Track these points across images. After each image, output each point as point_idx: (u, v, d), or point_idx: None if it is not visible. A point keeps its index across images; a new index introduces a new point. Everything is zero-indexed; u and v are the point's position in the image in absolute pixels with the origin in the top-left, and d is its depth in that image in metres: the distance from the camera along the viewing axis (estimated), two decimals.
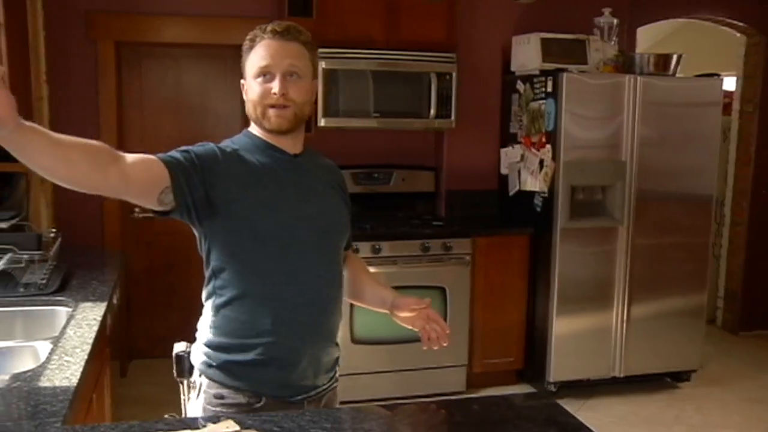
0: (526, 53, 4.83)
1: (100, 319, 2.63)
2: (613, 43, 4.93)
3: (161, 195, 1.74)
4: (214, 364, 1.92)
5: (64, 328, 2.52)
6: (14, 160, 4.36)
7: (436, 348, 2.04)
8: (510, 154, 4.99)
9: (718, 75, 4.85)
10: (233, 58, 4.88)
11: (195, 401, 1.97)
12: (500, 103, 5.16)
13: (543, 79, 4.65)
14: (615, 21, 4.94)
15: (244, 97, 1.97)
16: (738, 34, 6.06)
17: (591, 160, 4.57)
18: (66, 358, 2.22)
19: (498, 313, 4.72)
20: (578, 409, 4.49)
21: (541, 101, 4.66)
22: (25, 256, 2.99)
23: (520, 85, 4.90)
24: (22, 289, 2.89)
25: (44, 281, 2.95)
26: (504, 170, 5.06)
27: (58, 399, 1.89)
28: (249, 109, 1.94)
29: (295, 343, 1.91)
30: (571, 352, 4.64)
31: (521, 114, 4.88)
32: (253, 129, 1.99)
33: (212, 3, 4.74)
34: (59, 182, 1.62)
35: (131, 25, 4.65)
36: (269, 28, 1.90)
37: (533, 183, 4.72)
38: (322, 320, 1.97)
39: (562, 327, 4.61)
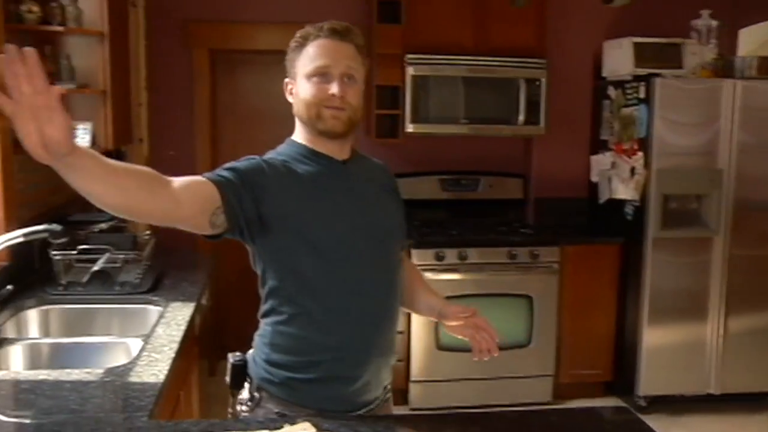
0: (618, 58, 4.72)
1: (188, 318, 2.71)
2: (711, 46, 4.76)
3: (212, 217, 1.68)
4: (276, 380, 1.86)
5: (155, 326, 2.61)
6: None
7: (486, 359, 1.98)
8: (601, 162, 4.88)
9: None
10: None
11: (249, 414, 1.89)
12: (591, 110, 5.06)
13: (635, 84, 4.53)
14: (714, 23, 4.76)
15: (289, 97, 1.91)
16: None
17: (685, 168, 4.42)
18: (154, 355, 2.31)
19: (586, 324, 4.62)
20: (669, 426, 4.34)
21: (633, 107, 4.54)
22: (121, 256, 3.11)
23: (611, 91, 4.79)
24: (117, 288, 3.02)
25: (138, 281, 3.06)
26: (594, 178, 4.95)
27: (146, 394, 1.97)
28: (299, 109, 1.87)
29: (359, 357, 1.84)
30: (663, 366, 4.49)
31: (612, 120, 4.77)
32: (297, 137, 1.93)
33: (303, 10, 4.82)
34: (110, 210, 1.56)
35: (225, 33, 4.79)
36: (327, 26, 1.85)
37: (624, 191, 4.60)
38: (384, 332, 1.90)
39: (653, 339, 4.47)
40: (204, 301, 3.39)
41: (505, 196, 5.09)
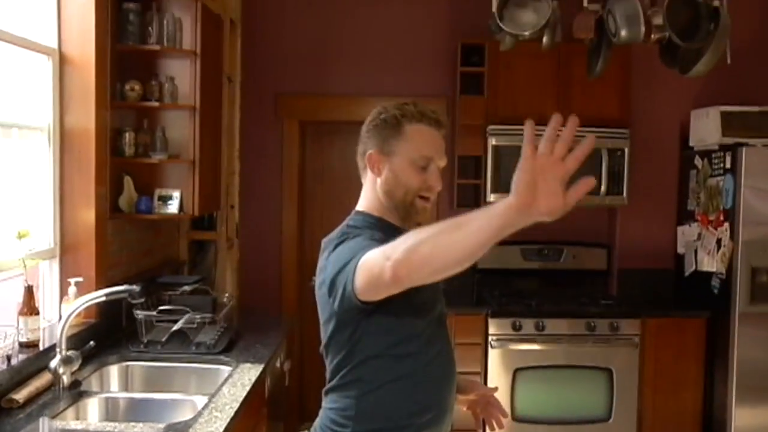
0: (705, 127, 4.67)
1: (254, 379, 2.83)
2: None
3: None
4: None
5: (222, 386, 2.74)
6: (208, 229, 4.75)
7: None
8: (687, 233, 4.78)
9: None
10: None
11: None
12: (677, 180, 4.99)
13: (721, 154, 4.46)
14: None
15: (372, 170, 1.91)
16: None
17: None
18: (215, 413, 2.43)
19: (670, 400, 4.48)
20: None
21: (719, 177, 4.46)
22: (199, 318, 3.28)
23: (698, 161, 4.72)
24: (193, 348, 3.18)
25: (213, 341, 3.22)
26: (681, 249, 4.85)
27: None
28: (393, 189, 1.87)
29: (440, 416, 1.88)
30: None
31: (699, 191, 4.69)
32: (370, 209, 1.93)
33: (389, 83, 5.02)
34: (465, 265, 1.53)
35: (314, 105, 5.03)
36: (430, 115, 1.89)
37: (710, 263, 4.49)
38: (453, 390, 1.96)
39: (743, 419, 4.29)
40: (278, 364, 3.53)
41: (588, 266, 5.04)
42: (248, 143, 4.89)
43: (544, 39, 3.40)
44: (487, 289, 4.85)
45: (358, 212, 1.96)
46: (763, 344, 4.29)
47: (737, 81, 4.76)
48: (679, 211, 4.95)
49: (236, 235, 4.72)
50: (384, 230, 1.85)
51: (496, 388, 2.08)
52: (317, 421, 1.91)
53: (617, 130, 4.70)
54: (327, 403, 1.90)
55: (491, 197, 4.67)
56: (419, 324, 1.83)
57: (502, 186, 4.68)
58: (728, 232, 4.33)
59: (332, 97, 5.02)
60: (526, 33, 3.36)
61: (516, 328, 4.39)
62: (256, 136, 4.98)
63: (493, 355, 4.40)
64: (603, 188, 4.67)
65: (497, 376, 4.37)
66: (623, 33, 3.20)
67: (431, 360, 1.86)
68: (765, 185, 4.28)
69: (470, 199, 4.80)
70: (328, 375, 1.90)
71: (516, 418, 4.38)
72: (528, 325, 4.39)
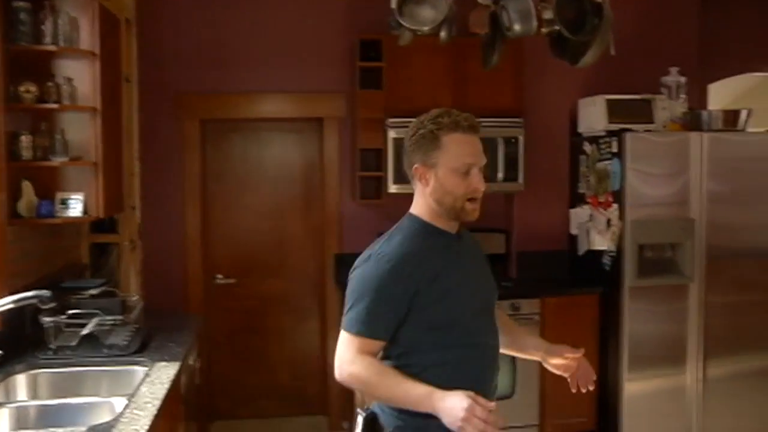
0: (593, 115, 4.92)
1: (172, 378, 2.85)
2: (681, 100, 4.96)
3: None
4: (411, 427, 2.05)
5: (139, 386, 2.74)
6: (109, 231, 4.65)
7: (584, 390, 2.38)
8: (579, 214, 5.04)
9: None
10: (311, 130, 5.21)
11: None
12: (569, 164, 5.24)
13: (608, 139, 4.73)
14: (682, 79, 4.98)
15: (420, 182, 2.12)
16: None
17: (658, 218, 4.58)
18: (137, 412, 2.44)
19: None
20: None
21: (607, 161, 4.73)
22: (109, 320, 3.26)
23: (587, 146, 4.98)
24: (105, 350, 3.15)
25: (126, 343, 3.20)
26: (574, 230, 5.11)
27: None
28: (442, 197, 2.09)
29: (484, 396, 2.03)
30: (645, 413, 4.58)
31: (589, 174, 4.95)
32: (422, 214, 2.15)
33: (289, 80, 5.06)
34: None
35: (214, 103, 5.01)
36: (464, 123, 2.09)
37: (601, 242, 4.76)
38: (496, 374, 2.23)
39: (634, 387, 4.57)
40: (191, 362, 3.53)
41: (487, 251, 5.10)
42: (148, 144, 4.84)
43: (442, 33, 3.52)
44: None
45: (411, 215, 2.18)
46: (651, 316, 4.59)
47: (621, 71, 5.03)
48: (571, 194, 5.21)
49: (138, 236, 4.67)
50: (429, 235, 2.11)
51: (582, 350, 2.30)
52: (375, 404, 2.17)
53: (512, 119, 4.91)
54: None
55: (392, 188, 4.78)
56: (455, 316, 2.07)
57: (403, 178, 4.78)
58: (617, 212, 4.60)
59: (232, 95, 5.02)
60: (425, 28, 3.48)
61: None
62: (155, 136, 4.92)
63: None
64: (500, 175, 4.87)
65: None
66: (516, 27, 3.37)
67: (473, 347, 2.11)
68: (647, 168, 4.56)
69: (372, 191, 4.90)
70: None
71: None
72: None
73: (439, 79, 4.89)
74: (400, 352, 2.08)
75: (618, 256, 4.61)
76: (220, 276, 5.15)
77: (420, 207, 2.15)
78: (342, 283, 4.80)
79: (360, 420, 2.17)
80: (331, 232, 5.14)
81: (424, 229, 2.12)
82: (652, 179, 4.57)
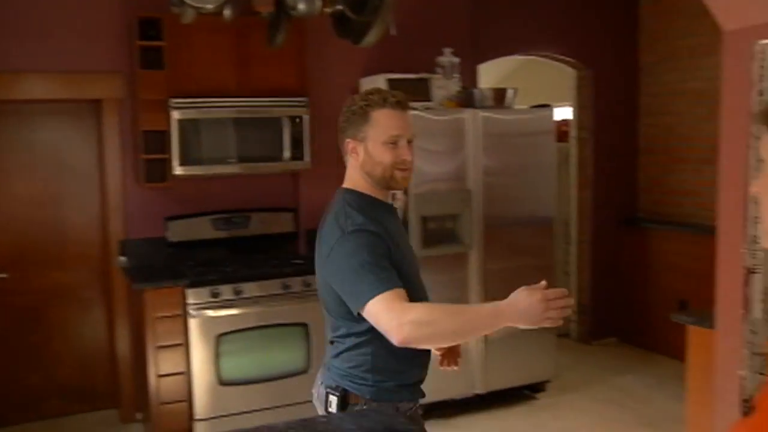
0: None
1: None
2: (455, 80, 5.25)
3: None
4: (389, 387, 2.22)
5: None
6: None
7: (450, 369, 2.56)
8: None
9: (550, 106, 5.25)
10: (89, 113, 4.94)
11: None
12: None
13: None
14: (456, 60, 5.27)
15: (351, 156, 2.24)
16: (570, 69, 6.56)
17: (440, 191, 4.84)
18: None
19: None
20: (444, 428, 4.71)
21: None
22: None
23: None
24: None
25: None
26: None
27: None
28: (373, 169, 2.21)
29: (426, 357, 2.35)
30: (432, 375, 4.82)
31: None
32: (357, 187, 2.26)
33: (66, 59, 4.75)
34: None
35: None
36: (391, 99, 2.19)
37: None
38: None
39: None
40: None
41: (277, 230, 5.26)
42: None
43: (226, 12, 3.50)
44: (181, 262, 4.88)
45: (348, 190, 2.27)
46: (435, 285, 4.75)
47: (401, 51, 5.24)
48: None
49: None
50: (373, 205, 2.23)
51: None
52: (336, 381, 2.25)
53: (296, 98, 4.96)
54: (343, 360, 2.24)
55: (178, 170, 4.67)
56: (410, 278, 2.19)
57: (189, 159, 4.70)
58: None
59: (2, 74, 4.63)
60: (209, 6, 3.44)
61: (214, 295, 4.49)
62: None
63: (194, 324, 4.45)
64: (286, 154, 4.91)
65: (200, 344, 4.45)
66: (301, 6, 3.41)
67: None
68: (427, 145, 4.79)
69: (157, 173, 4.75)
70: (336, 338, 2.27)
71: (222, 383, 4.50)
72: (226, 291, 4.51)
73: (224, 59, 4.83)
74: (364, 330, 2.16)
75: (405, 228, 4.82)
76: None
77: (354, 180, 2.27)
78: (129, 270, 4.68)
79: (333, 399, 2.23)
80: (115, 218, 4.93)
81: (367, 199, 2.24)
82: (433, 155, 4.81)
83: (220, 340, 4.51)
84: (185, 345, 4.46)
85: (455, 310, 2.09)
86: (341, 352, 2.26)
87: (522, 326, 1.94)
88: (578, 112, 6.56)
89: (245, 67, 4.87)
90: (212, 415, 4.50)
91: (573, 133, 6.61)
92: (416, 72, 5.12)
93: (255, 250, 5.19)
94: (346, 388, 2.24)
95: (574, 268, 6.63)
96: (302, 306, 4.68)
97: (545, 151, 5.21)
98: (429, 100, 5.06)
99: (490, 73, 6.58)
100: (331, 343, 2.30)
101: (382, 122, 2.18)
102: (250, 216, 5.16)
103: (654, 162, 6.44)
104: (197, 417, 4.48)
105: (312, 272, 4.64)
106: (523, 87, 5.52)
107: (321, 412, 2.28)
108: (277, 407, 4.61)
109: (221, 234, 5.08)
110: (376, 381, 2.22)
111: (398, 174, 2.22)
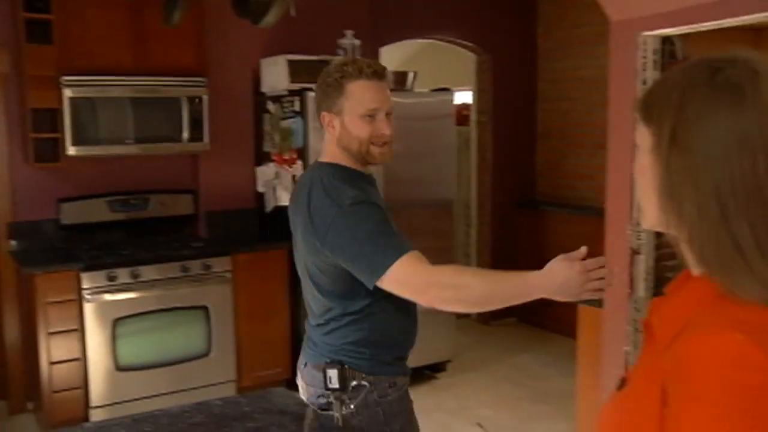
0: (275, 74, 5.04)
1: None
2: None
3: None
4: (386, 360, 2.15)
5: None
6: None
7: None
8: (265, 173, 5.17)
9: (450, 89, 5.33)
10: None
11: (359, 401, 2.11)
12: (253, 123, 5.34)
13: (291, 98, 4.89)
14: (358, 42, 5.28)
15: (328, 129, 2.14)
16: (470, 54, 6.68)
17: None
18: None
19: (262, 327, 4.88)
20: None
21: (290, 119, 4.89)
22: None
23: (270, 105, 5.11)
24: None
25: None
26: (260, 188, 5.24)
27: None
28: (350, 143, 2.11)
29: (414, 330, 2.27)
30: None
31: (273, 133, 5.09)
32: (335, 160, 2.15)
33: None
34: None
35: None
36: (367, 69, 2.08)
37: (288, 198, 4.92)
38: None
39: None
40: None
41: (176, 212, 5.17)
42: None
43: None
44: (76, 245, 4.73)
45: (330, 164, 2.16)
46: None
47: (301, 32, 5.20)
48: (257, 152, 5.31)
49: None
50: (357, 177, 2.13)
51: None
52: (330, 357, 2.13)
53: (195, 78, 4.86)
54: (333, 337, 2.14)
55: (71, 150, 4.52)
56: None
57: (83, 138, 4.55)
58: (301, 168, 4.79)
59: None
60: None
61: (111, 279, 4.37)
62: None
63: (90, 309, 4.33)
64: (186, 135, 4.82)
65: (96, 330, 4.33)
66: None
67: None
68: None
69: (48, 153, 4.58)
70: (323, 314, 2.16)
71: (120, 368, 4.41)
72: (123, 275, 4.40)
73: (119, 36, 4.68)
74: (362, 299, 2.09)
75: None
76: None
77: (332, 154, 2.17)
78: (18, 253, 4.50)
79: (332, 372, 2.10)
80: (2, 199, 4.72)
81: (350, 172, 2.14)
82: None
83: (117, 324, 4.40)
84: (80, 330, 4.33)
85: (485, 275, 2.05)
86: (334, 330, 2.15)
87: (560, 299, 1.85)
88: (478, 96, 6.69)
89: (141, 45, 4.74)
90: (109, 402, 4.40)
91: (473, 117, 6.73)
92: (318, 54, 5.09)
93: (154, 232, 5.08)
94: (342, 361, 2.13)
95: (474, 250, 6.78)
96: (202, 289, 4.62)
97: (445, 135, 5.29)
98: None
99: (392, 56, 6.62)
100: (319, 325, 2.18)
101: (358, 94, 2.08)
102: (148, 198, 5.04)
103: (551, 146, 6.64)
104: (93, 404, 4.37)
105: (211, 255, 4.69)
106: (423, 71, 5.59)
107: (313, 399, 2.16)
108: (177, 392, 4.55)
109: (118, 216, 4.95)
110: (372, 354, 2.14)
111: (375, 149, 2.12)
